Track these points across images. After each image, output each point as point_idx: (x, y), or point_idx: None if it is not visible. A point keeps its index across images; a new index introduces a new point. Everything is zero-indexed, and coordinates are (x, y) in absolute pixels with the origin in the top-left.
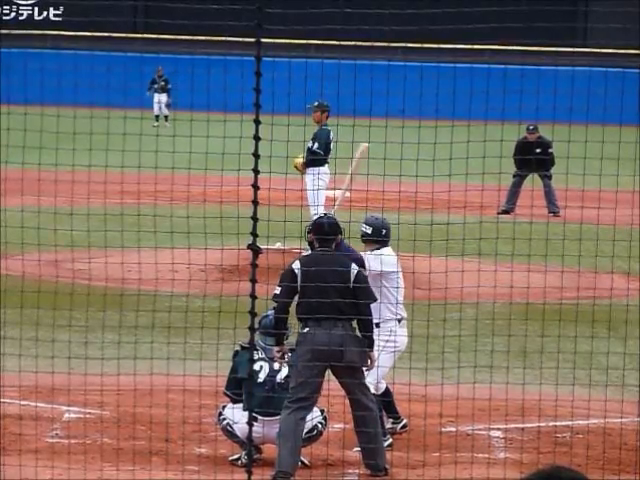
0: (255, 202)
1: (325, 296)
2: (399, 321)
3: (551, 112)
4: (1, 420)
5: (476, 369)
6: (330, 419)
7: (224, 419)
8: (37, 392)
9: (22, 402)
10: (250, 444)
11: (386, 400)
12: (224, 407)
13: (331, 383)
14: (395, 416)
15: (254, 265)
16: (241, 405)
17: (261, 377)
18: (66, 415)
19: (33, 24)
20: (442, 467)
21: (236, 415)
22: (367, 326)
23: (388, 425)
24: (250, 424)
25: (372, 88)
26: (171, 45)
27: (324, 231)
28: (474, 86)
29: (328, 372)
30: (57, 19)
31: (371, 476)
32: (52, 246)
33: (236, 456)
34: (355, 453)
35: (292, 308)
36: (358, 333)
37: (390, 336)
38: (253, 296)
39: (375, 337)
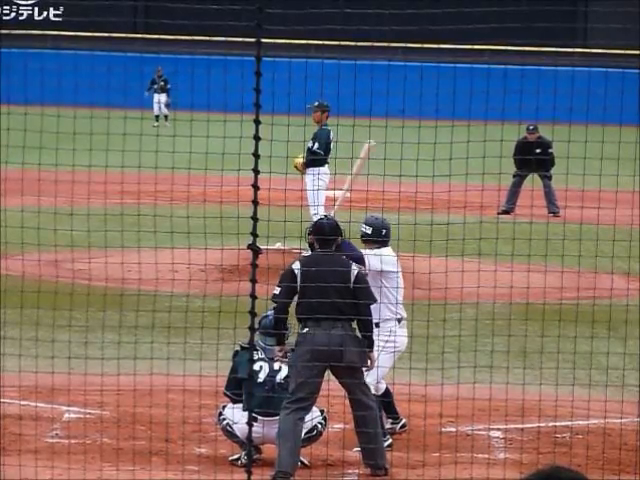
0: (255, 202)
1: (325, 296)
2: (399, 321)
3: (551, 112)
4: (1, 420)
5: (476, 369)
6: (330, 419)
7: (224, 419)
8: (37, 392)
9: (22, 402)
10: (250, 444)
11: (386, 400)
12: (224, 407)
13: (331, 383)
14: (394, 416)
15: (254, 265)
16: (241, 405)
17: (261, 377)
18: (66, 415)
19: (33, 24)
20: (442, 467)
21: (236, 415)
22: (367, 326)
23: (387, 425)
24: (250, 424)
25: (372, 88)
26: (171, 45)
27: (324, 233)
28: (474, 86)
29: (328, 372)
30: (57, 19)
31: (371, 476)
32: (52, 246)
33: (236, 456)
34: (355, 453)
35: (292, 308)
36: (358, 333)
37: (390, 336)
38: (253, 296)
39: (375, 337)
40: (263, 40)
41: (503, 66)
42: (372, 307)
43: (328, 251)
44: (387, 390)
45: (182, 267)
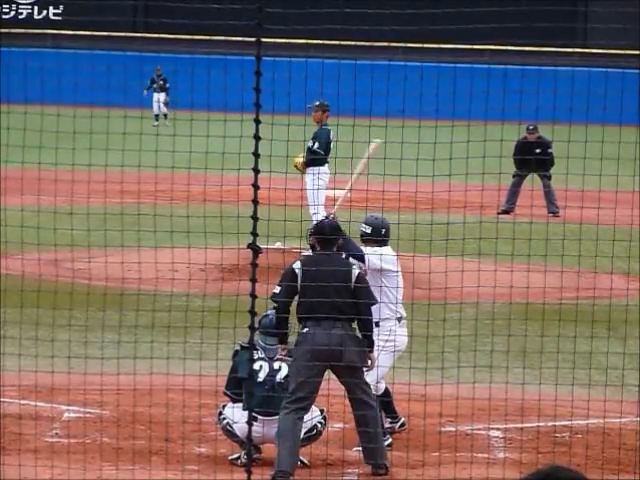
0: (255, 201)
1: (325, 296)
2: (399, 320)
3: (551, 112)
4: (1, 420)
5: (476, 369)
6: (330, 419)
7: (224, 418)
8: (37, 391)
9: (22, 401)
10: (250, 444)
11: (385, 400)
12: (224, 406)
13: (331, 383)
14: (393, 416)
15: (254, 264)
16: (241, 405)
17: (261, 377)
18: (66, 415)
19: (33, 23)
20: (441, 467)
21: (236, 415)
22: (367, 326)
23: (386, 425)
24: (250, 424)
25: (372, 88)
26: (171, 44)
27: (325, 234)
28: (474, 86)
29: (328, 372)
30: (57, 18)
31: (371, 475)
32: (52, 245)
33: (236, 456)
34: (355, 452)
35: (292, 308)
36: (358, 333)
37: (390, 336)
38: (253, 295)
39: (375, 337)
40: (263, 40)
41: (503, 66)
42: (372, 307)
43: (329, 252)
44: (386, 390)
45: (182, 266)
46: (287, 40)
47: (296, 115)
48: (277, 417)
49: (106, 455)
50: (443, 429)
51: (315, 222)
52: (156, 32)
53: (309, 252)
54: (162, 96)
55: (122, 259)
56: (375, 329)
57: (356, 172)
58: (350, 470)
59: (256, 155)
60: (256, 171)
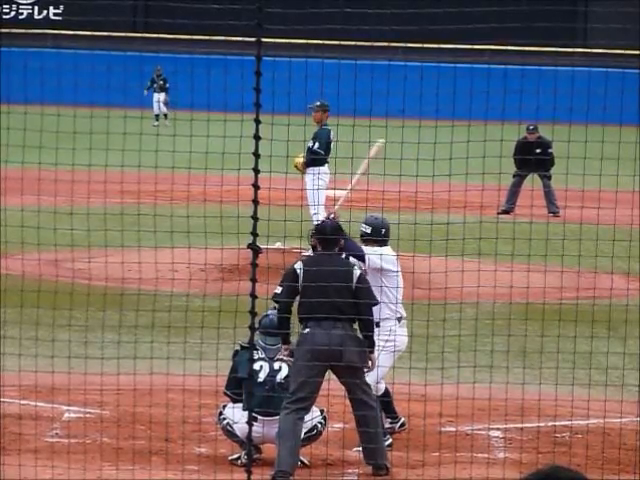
0: (255, 201)
1: (326, 297)
2: (399, 320)
3: (551, 112)
4: (1, 420)
5: (476, 369)
6: (330, 419)
7: (224, 419)
8: (37, 391)
9: (22, 401)
10: (250, 444)
11: (385, 400)
12: (224, 407)
13: (331, 383)
14: (393, 416)
15: (254, 264)
16: (241, 405)
17: (261, 377)
18: (66, 415)
19: (33, 23)
20: (442, 467)
21: (236, 415)
22: (368, 327)
23: (386, 425)
24: (250, 424)
25: (372, 88)
26: (171, 45)
27: (327, 234)
28: (474, 86)
29: (329, 372)
30: (57, 18)
31: (372, 475)
32: (52, 246)
33: (236, 456)
34: (355, 453)
35: (293, 308)
36: (359, 334)
37: (390, 336)
38: (253, 295)
39: (375, 337)
40: (263, 40)
41: (503, 66)
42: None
43: (331, 252)
44: (386, 390)
45: (182, 267)
46: (287, 40)
47: (296, 115)
48: (277, 417)
49: (106, 455)
50: (443, 429)
51: (316, 222)
52: (156, 32)
53: (309, 252)
54: (162, 96)
55: (122, 259)
56: (375, 329)
57: (359, 172)
58: (350, 470)
59: (256, 155)
60: (256, 171)
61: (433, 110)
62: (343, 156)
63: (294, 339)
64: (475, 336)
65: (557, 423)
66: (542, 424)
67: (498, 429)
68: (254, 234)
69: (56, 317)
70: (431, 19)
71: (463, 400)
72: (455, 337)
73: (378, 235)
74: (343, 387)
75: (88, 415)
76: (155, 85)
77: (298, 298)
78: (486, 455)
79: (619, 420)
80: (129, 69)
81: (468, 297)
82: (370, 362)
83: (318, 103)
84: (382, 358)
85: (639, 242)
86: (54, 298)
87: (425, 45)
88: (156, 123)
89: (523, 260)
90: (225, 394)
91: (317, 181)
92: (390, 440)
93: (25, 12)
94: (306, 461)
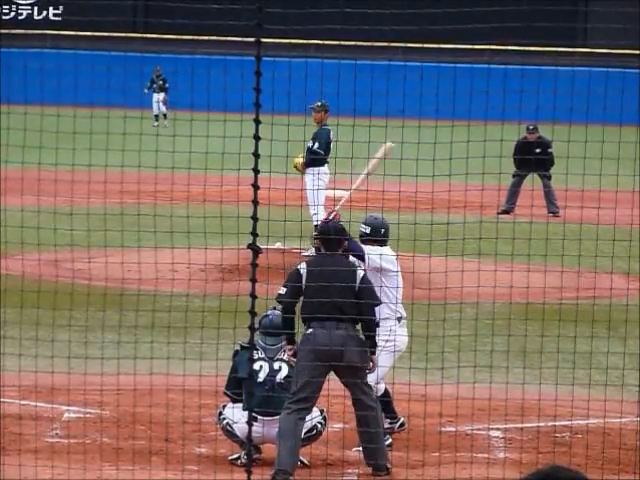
0: (255, 202)
1: (329, 297)
2: (399, 320)
3: (551, 112)
4: (1, 420)
5: (476, 369)
6: (330, 419)
7: (224, 419)
8: (37, 392)
9: (22, 402)
10: (250, 444)
11: (385, 400)
12: (224, 407)
13: (331, 383)
14: (392, 416)
15: (254, 265)
16: (241, 405)
17: (261, 377)
18: (66, 415)
19: (33, 24)
20: (442, 467)
21: (236, 415)
22: (370, 327)
23: (386, 425)
24: (250, 424)
25: (372, 88)
26: (171, 45)
27: (330, 237)
28: (474, 86)
29: (331, 372)
30: (57, 19)
31: (372, 475)
32: (52, 246)
33: (236, 456)
34: (354, 453)
35: (297, 308)
36: (361, 334)
37: (390, 336)
38: (253, 295)
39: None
40: (263, 40)
41: (503, 66)
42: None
43: (334, 253)
44: (386, 390)
45: (182, 267)
46: (287, 40)
47: (296, 115)
48: (277, 417)
49: (106, 455)
50: (443, 429)
51: (315, 222)
52: (156, 32)
53: (309, 252)
54: (162, 96)
55: (122, 259)
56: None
57: (364, 172)
58: (350, 470)
59: (256, 155)
60: (256, 171)
61: (433, 110)
62: (343, 156)
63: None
64: (475, 336)
65: (557, 423)
66: (542, 424)
67: (498, 429)
68: (254, 234)
69: (56, 317)
70: (431, 19)
71: (463, 400)
72: (455, 337)
73: (377, 235)
74: (343, 387)
75: (88, 415)
76: (155, 85)
77: (301, 299)
78: (486, 455)
79: (619, 420)
80: (129, 69)
81: (468, 297)
82: (371, 363)
83: (319, 103)
84: (382, 358)
85: (639, 242)
86: (54, 298)
87: (425, 45)
88: (156, 123)
89: (523, 260)
90: (225, 394)
91: (317, 181)
92: (390, 440)
93: (25, 13)
94: (306, 461)
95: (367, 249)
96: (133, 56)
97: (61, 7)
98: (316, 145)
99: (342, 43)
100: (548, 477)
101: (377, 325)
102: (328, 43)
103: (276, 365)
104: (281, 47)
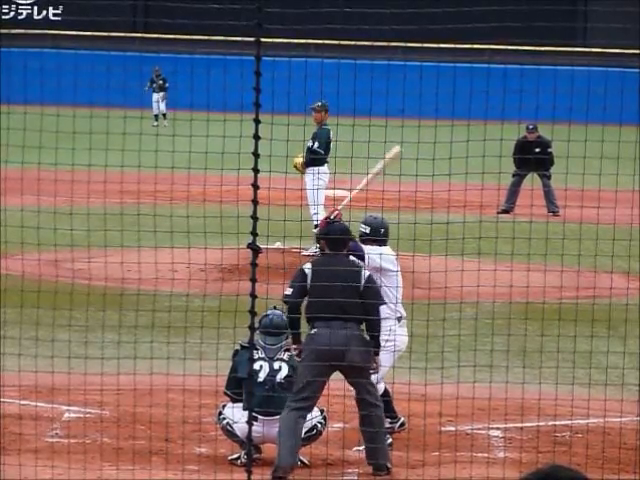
0: (255, 201)
1: (334, 297)
2: (398, 320)
3: (551, 111)
4: (1, 420)
5: (476, 368)
6: (330, 419)
7: (224, 418)
8: (37, 392)
9: (22, 402)
10: (250, 444)
11: (385, 400)
12: (224, 406)
13: (331, 383)
14: (392, 415)
15: (254, 264)
16: (241, 404)
17: (261, 376)
18: (66, 415)
19: (32, 24)
20: (442, 466)
21: (236, 414)
22: (375, 327)
23: (386, 424)
24: (250, 423)
25: (372, 88)
26: (171, 45)
27: (335, 237)
28: (474, 86)
29: (336, 372)
30: (56, 18)
31: (372, 475)
32: (52, 246)
33: (236, 455)
34: (355, 453)
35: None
36: (365, 334)
37: (389, 335)
38: (253, 295)
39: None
40: (263, 39)
41: (503, 65)
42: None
43: (339, 254)
44: (386, 390)
45: (182, 267)
46: (287, 40)
47: (296, 115)
48: (277, 417)
49: (106, 455)
50: (443, 429)
51: (315, 222)
52: (156, 32)
53: (308, 252)
54: (162, 95)
55: (122, 259)
56: None
57: (370, 173)
58: (350, 470)
59: (256, 155)
60: (256, 171)
61: (433, 110)
62: (342, 156)
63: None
64: (475, 335)
65: (557, 422)
66: (542, 423)
67: (498, 429)
68: (254, 234)
69: (56, 317)
70: (431, 19)
71: (463, 400)
72: (455, 337)
73: (377, 235)
74: (343, 387)
75: (88, 415)
76: (154, 85)
77: (306, 298)
78: (486, 455)
79: (619, 419)
80: (129, 69)
81: (468, 297)
82: (375, 363)
83: (319, 103)
84: (382, 358)
85: (639, 241)
86: (54, 298)
87: (425, 45)
88: (155, 123)
89: (523, 259)
90: (225, 394)
91: (317, 181)
92: (390, 440)
93: (24, 12)
94: (306, 461)
95: (367, 249)
96: (133, 56)
97: (61, 7)
98: (316, 145)
99: (342, 43)
100: (548, 476)
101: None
102: (328, 43)
103: (276, 365)
104: (281, 47)
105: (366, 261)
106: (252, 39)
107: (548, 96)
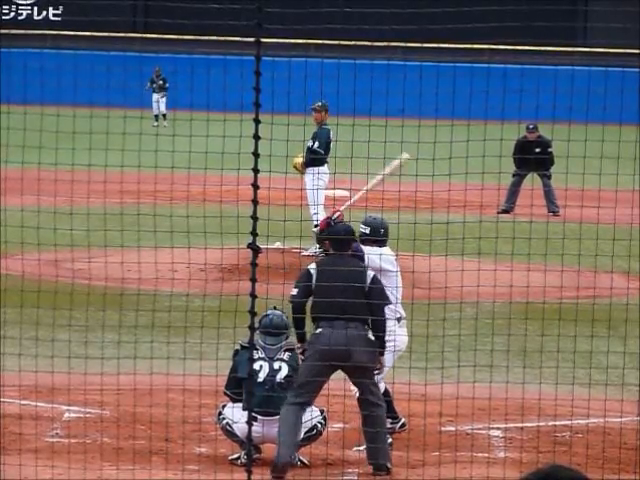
0: (255, 201)
1: (339, 297)
2: (398, 320)
3: (551, 111)
4: (1, 420)
5: (476, 368)
6: (330, 419)
7: (224, 418)
8: (37, 392)
9: (22, 402)
10: (249, 443)
11: (386, 400)
12: (224, 406)
13: (331, 383)
14: (393, 416)
15: (254, 264)
16: (241, 404)
17: (261, 376)
18: (66, 415)
19: (32, 24)
20: (442, 466)
21: (236, 414)
22: (380, 327)
23: (387, 425)
24: (250, 423)
25: (372, 88)
26: (171, 45)
27: (340, 237)
28: (474, 85)
29: (338, 371)
30: (56, 19)
31: (372, 475)
32: (52, 246)
33: (236, 455)
34: (355, 453)
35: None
36: (370, 334)
37: (390, 336)
38: (253, 295)
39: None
40: (263, 39)
41: (503, 65)
42: None
43: (344, 254)
44: (386, 390)
45: (182, 266)
46: (287, 40)
47: (296, 115)
48: (277, 417)
49: (106, 455)
50: (443, 429)
51: (315, 222)
52: (156, 32)
53: (308, 252)
54: (162, 95)
55: (122, 259)
56: None
57: (383, 172)
58: (350, 470)
59: (256, 155)
60: (256, 171)
61: (433, 109)
62: (342, 156)
63: (293, 339)
64: (475, 335)
65: (557, 422)
66: (542, 423)
67: (498, 428)
68: (254, 234)
69: (56, 317)
70: (430, 19)
71: (463, 400)
72: (455, 336)
73: (377, 235)
74: (343, 387)
75: (88, 415)
76: (154, 85)
77: (311, 298)
78: (486, 455)
79: (619, 419)
80: (129, 69)
81: (468, 296)
82: (379, 364)
83: (320, 103)
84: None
85: (639, 241)
86: (54, 298)
87: (424, 45)
88: (155, 123)
89: (523, 259)
90: (225, 394)
91: (317, 181)
92: (390, 440)
93: (24, 13)
94: (306, 461)
95: (366, 249)
96: (133, 56)
97: (61, 7)
98: (316, 145)
99: (342, 43)
100: (548, 476)
101: None
102: (328, 43)
103: (276, 365)
104: (281, 47)
105: (366, 262)
106: (252, 39)
107: (548, 96)
